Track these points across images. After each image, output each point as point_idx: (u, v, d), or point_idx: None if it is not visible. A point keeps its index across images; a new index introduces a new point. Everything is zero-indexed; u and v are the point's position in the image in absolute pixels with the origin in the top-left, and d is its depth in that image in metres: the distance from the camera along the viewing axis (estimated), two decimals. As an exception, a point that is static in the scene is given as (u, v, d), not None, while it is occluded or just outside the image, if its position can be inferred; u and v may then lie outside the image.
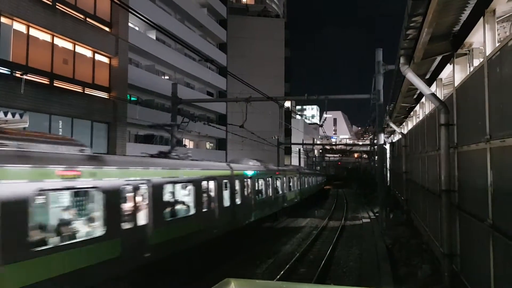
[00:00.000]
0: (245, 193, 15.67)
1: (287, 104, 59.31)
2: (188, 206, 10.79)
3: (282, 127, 43.11)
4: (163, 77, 31.24)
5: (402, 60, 8.93)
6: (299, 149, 52.61)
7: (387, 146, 32.38)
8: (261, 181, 18.58)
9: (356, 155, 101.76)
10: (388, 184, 32.93)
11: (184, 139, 31.88)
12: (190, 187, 10.94)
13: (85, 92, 19.03)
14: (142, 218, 8.55)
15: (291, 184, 26.11)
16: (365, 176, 57.63)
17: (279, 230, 19.88)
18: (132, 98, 26.15)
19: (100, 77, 20.04)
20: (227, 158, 39.62)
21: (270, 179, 20.15)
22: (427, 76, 11.22)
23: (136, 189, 8.42)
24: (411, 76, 8.77)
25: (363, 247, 14.96)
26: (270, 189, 19.81)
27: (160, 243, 8.92)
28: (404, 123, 22.30)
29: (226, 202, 13.53)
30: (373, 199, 34.25)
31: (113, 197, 7.50)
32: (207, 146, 40.37)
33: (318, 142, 79.99)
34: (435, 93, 8.93)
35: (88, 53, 19.43)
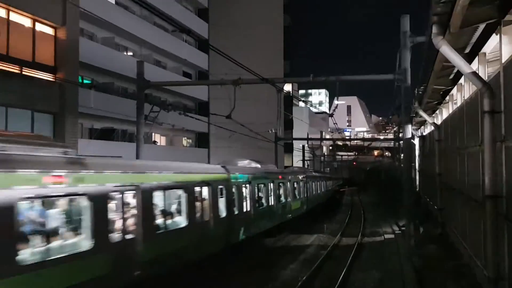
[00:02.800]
0: (244, 201, 16.53)
1: (288, 87, 59.49)
2: (181, 216, 11.65)
3: (281, 118, 43.27)
4: (125, 53, 31.18)
5: (434, 29, 8.87)
6: (303, 146, 53.05)
7: (416, 141, 32.80)
8: (261, 187, 19.18)
9: (376, 152, 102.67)
10: (417, 189, 33.31)
11: (153, 134, 31.94)
12: (182, 193, 11.76)
13: (23, 73, 18.54)
14: (131, 230, 9.46)
15: (296, 190, 26.70)
16: (388, 179, 58.34)
17: (279, 250, 20.11)
18: (85, 81, 25.83)
19: (42, 53, 19.63)
20: (209, 158, 39.82)
21: (272, 184, 20.69)
22: (467, 50, 11.19)
23: (124, 196, 9.32)
24: (446, 50, 8.69)
25: (386, 270, 15.16)
26: (272, 197, 20.61)
27: (150, 259, 9.79)
28: (437, 111, 22.67)
29: (221, 212, 14.28)
30: (398, 209, 34.45)
31: (100, 205, 8.48)
32: (184, 143, 40.58)
33: (328, 137, 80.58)
34: (476, 71, 8.93)
35: (26, 21, 18.94)
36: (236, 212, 15.53)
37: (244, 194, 16.61)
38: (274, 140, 35.92)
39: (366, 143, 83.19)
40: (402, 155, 35.42)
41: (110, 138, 26.86)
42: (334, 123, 30.82)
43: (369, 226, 31.19)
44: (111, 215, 8.80)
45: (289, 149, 54.83)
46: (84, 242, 8.03)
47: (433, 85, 16.33)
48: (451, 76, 14.90)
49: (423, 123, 29.72)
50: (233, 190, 15.47)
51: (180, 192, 11.69)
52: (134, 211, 9.55)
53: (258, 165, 20.63)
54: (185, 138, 40.57)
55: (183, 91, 37.13)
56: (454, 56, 8.61)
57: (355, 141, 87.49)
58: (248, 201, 17.07)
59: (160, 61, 35.70)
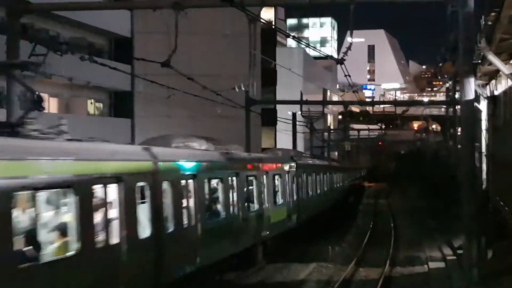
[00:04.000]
0: (183, 209, 16.34)
1: (268, 14, 59.54)
2: (63, 241, 11.26)
3: (255, 67, 43.10)
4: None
5: None
6: (294, 115, 53.33)
7: (483, 105, 33.01)
8: (216, 185, 19.29)
9: (416, 125, 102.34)
10: (485, 187, 33.67)
11: (38, 93, 31.54)
12: (63, 197, 11.45)
13: None
14: None
15: (279, 190, 27.16)
16: (435, 171, 58.97)
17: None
18: None
19: None
20: (134, 134, 40.30)
21: (235, 179, 20.83)
22: None
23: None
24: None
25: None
26: (235, 201, 20.93)
27: None
28: (518, 56, 22.96)
29: (143, 230, 14.07)
30: (451, 220, 35.45)
31: None
32: (90, 108, 40.69)
33: (336, 99, 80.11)
34: None
35: None
36: (169, 229, 15.46)
37: (185, 197, 16.61)
38: (244, 105, 36.21)
39: (399, 110, 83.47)
40: (459, 129, 35.55)
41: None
42: (346, 75, 30.47)
43: (404, 249, 31.90)
44: None
45: (270, 119, 54.51)
46: None
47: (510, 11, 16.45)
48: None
49: (495, 74, 29.81)
50: (165, 190, 15.42)
51: (57, 195, 11.32)
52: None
53: (212, 147, 20.73)
54: (92, 100, 40.69)
55: (88, 21, 36.90)
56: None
57: (382, 106, 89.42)
58: (192, 210, 17.05)
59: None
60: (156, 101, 37.80)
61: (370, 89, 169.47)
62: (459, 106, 31.93)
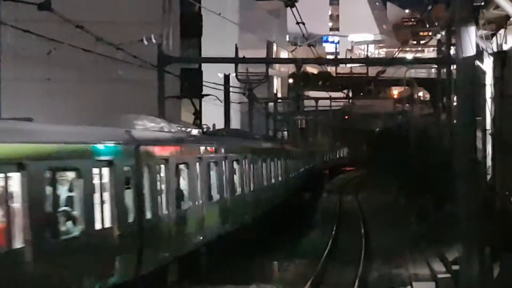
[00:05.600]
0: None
1: None
2: None
3: (170, 9, 43.00)
4: None
5: None
6: (226, 77, 53.96)
7: (487, 65, 33.32)
8: (82, 180, 18.22)
9: (396, 92, 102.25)
10: (489, 178, 34.06)
11: None
12: None
13: None
14: None
15: (198, 184, 27.34)
16: (422, 154, 59.35)
17: None
18: None
19: None
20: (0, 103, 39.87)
21: (123, 170, 20.49)
22: None
23: None
24: None
25: None
26: (129, 204, 20.74)
27: None
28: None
29: None
30: (443, 223, 35.96)
31: None
32: None
33: (285, 55, 79.34)
34: None
35: None
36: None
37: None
38: (155, 64, 36.46)
39: (373, 71, 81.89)
40: (455, 98, 36.89)
41: None
42: (298, 23, 30.36)
43: (379, 264, 32.42)
44: None
45: (193, 85, 54.71)
46: None
47: None
48: None
49: (504, 22, 30.12)
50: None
51: None
52: None
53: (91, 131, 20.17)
54: None
55: None
56: None
57: (349, 66, 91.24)
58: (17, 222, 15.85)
59: None
60: (32, 59, 37.65)
61: (332, 42, 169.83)
62: (455, 66, 32.76)
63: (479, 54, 28.18)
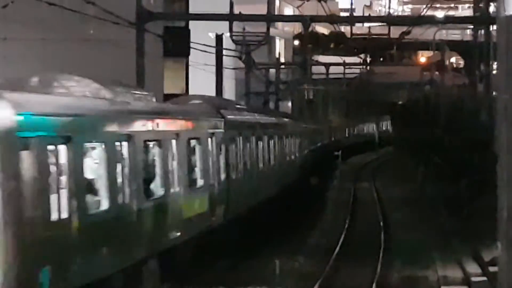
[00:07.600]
0: None
1: None
2: None
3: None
4: None
5: None
6: (219, 38, 53.20)
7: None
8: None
9: (423, 57, 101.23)
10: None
11: None
12: None
13: None
14: None
15: (195, 164, 28.51)
16: (454, 134, 59.25)
17: None
18: None
19: None
20: None
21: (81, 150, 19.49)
22: None
23: None
24: None
25: None
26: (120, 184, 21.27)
27: None
28: None
29: None
30: (479, 217, 35.95)
31: None
32: None
33: (290, 13, 77.99)
34: None
35: None
36: None
37: None
38: (134, 21, 36.26)
39: (395, 32, 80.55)
40: (495, 66, 36.04)
41: None
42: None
43: (401, 264, 32.69)
44: None
45: (179, 46, 54.85)
46: None
47: None
48: None
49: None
50: None
51: None
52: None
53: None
54: None
55: None
56: None
57: (367, 25, 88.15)
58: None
59: None
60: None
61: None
62: (495, 26, 31.31)
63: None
